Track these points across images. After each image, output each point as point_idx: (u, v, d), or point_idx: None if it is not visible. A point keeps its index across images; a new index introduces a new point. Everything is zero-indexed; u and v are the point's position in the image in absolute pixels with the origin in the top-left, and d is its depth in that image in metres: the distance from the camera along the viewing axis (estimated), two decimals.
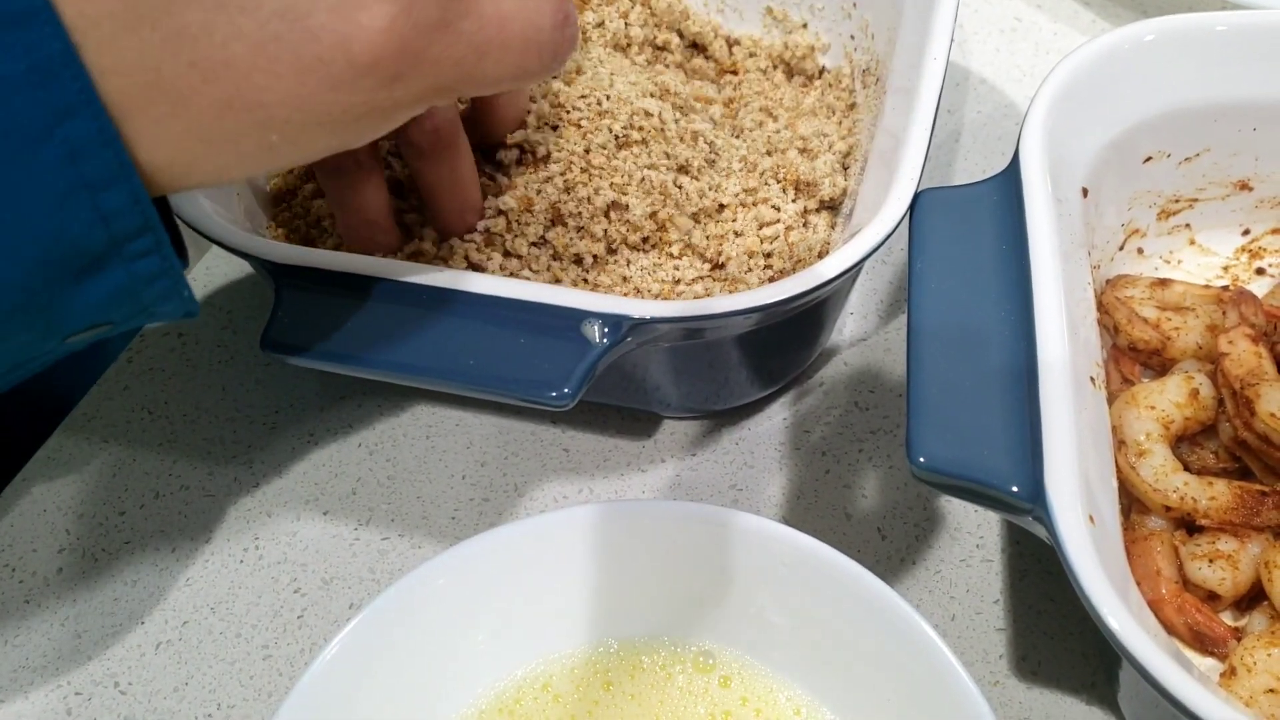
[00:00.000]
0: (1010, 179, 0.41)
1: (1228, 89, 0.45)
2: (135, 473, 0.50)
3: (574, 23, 0.30)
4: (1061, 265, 0.38)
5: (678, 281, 0.46)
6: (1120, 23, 0.63)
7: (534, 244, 0.45)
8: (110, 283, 0.28)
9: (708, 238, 0.47)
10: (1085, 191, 0.43)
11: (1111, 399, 0.42)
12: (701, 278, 0.46)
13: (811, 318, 0.47)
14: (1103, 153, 0.44)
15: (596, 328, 0.38)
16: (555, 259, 0.45)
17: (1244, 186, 0.48)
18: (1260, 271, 0.49)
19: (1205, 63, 0.44)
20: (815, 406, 0.50)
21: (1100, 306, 0.46)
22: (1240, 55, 0.44)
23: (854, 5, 0.56)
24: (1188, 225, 0.49)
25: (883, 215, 0.40)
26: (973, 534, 0.45)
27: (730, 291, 0.46)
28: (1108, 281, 0.47)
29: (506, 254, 0.45)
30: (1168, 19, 0.45)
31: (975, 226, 0.40)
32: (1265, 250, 0.49)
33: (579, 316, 0.38)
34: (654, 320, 0.39)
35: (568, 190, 0.45)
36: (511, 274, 0.44)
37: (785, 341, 0.47)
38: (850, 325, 0.52)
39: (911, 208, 0.41)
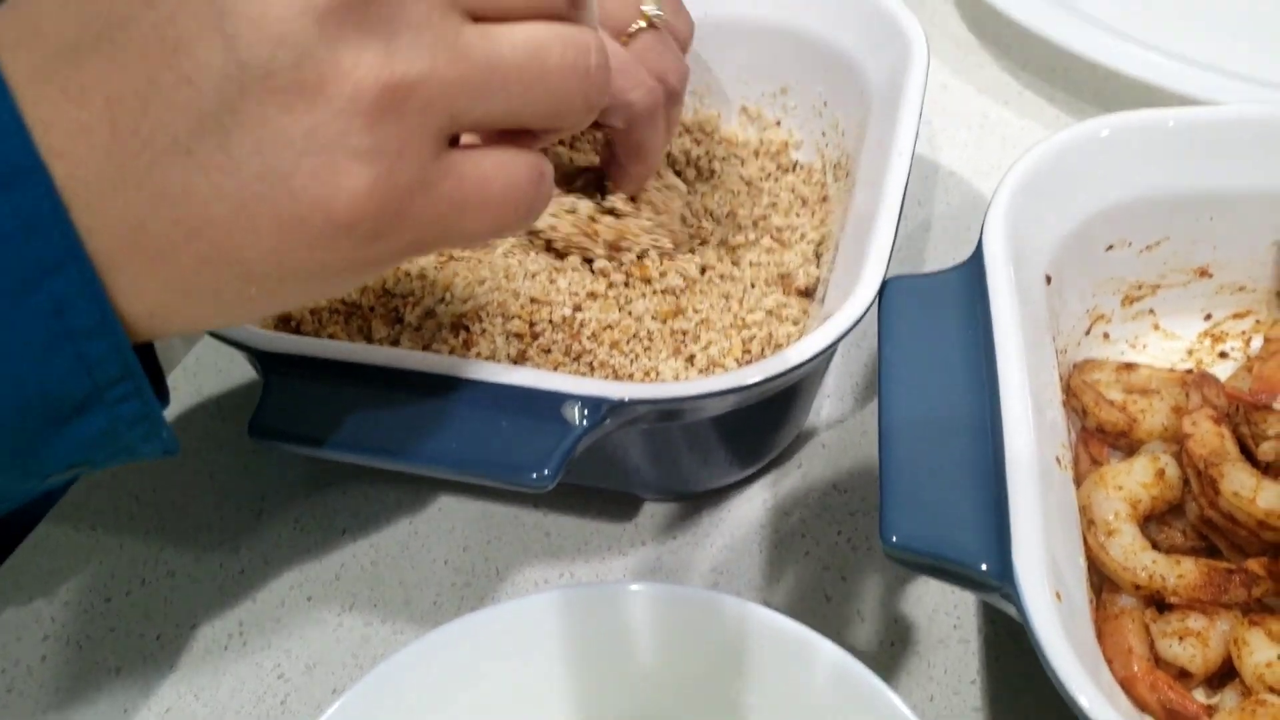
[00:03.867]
0: (975, 267, 0.42)
1: (1183, 180, 0.46)
2: (122, 560, 0.50)
3: (549, 179, 0.31)
4: (1026, 350, 0.39)
5: (655, 368, 0.47)
6: (1083, 117, 0.66)
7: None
8: (92, 427, 0.29)
9: (690, 357, 0.48)
10: (1049, 279, 0.44)
11: (1081, 479, 0.43)
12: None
13: (787, 400, 0.48)
14: (1065, 241, 0.45)
15: (576, 410, 0.39)
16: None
17: (1204, 273, 0.49)
18: (1223, 355, 0.50)
19: (1160, 156, 0.46)
20: (794, 488, 0.50)
21: (1068, 390, 0.47)
22: (1192, 148, 0.46)
23: (824, 104, 0.58)
24: (1151, 311, 0.50)
25: (852, 302, 0.41)
26: (950, 614, 0.45)
27: (707, 374, 0.47)
28: (1075, 365, 0.48)
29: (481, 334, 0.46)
30: (1122, 115, 0.46)
31: (942, 313, 0.41)
32: (1227, 334, 0.50)
33: (559, 399, 0.39)
34: (633, 402, 0.39)
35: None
36: (490, 357, 0.45)
37: (763, 423, 0.48)
38: (827, 407, 0.53)
39: (880, 295, 0.42)
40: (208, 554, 0.50)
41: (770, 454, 0.51)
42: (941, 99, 0.68)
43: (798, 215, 0.56)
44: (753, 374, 0.41)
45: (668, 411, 0.41)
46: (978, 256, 0.42)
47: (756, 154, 0.60)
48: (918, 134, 0.48)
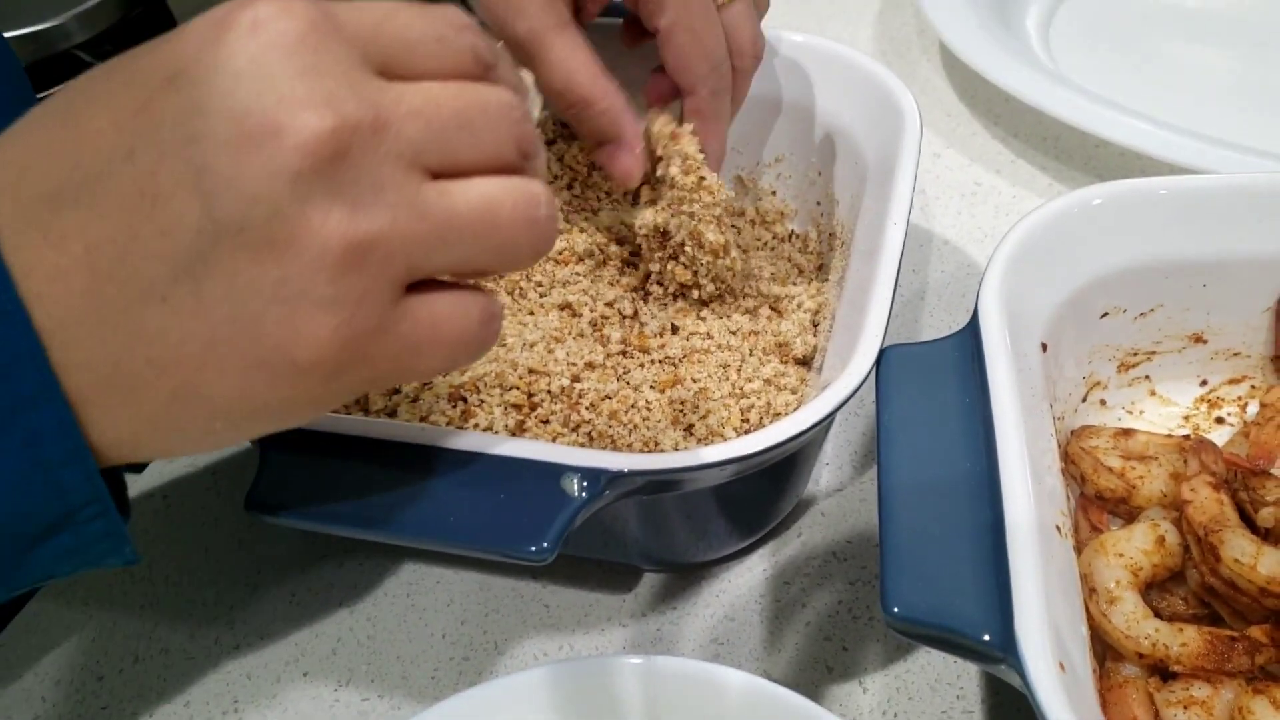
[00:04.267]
0: (971, 335, 0.42)
1: (1175, 248, 0.47)
2: (115, 637, 0.49)
3: (498, 317, 0.33)
4: (1023, 417, 0.39)
5: (654, 438, 0.47)
6: (1075, 186, 0.67)
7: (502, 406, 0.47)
8: (61, 544, 0.31)
9: (689, 427, 0.48)
10: (1044, 346, 0.44)
11: (1081, 547, 0.43)
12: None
13: (787, 469, 0.48)
14: (1060, 309, 0.46)
15: (575, 481, 0.39)
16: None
17: (1199, 339, 0.50)
18: (1220, 420, 0.50)
19: (1152, 223, 0.46)
20: (794, 558, 0.50)
21: (1066, 456, 0.47)
22: (1184, 216, 0.46)
23: (818, 174, 0.59)
24: (1147, 377, 0.50)
25: (850, 370, 0.42)
26: (953, 685, 0.45)
27: (705, 444, 0.47)
28: (1072, 432, 0.48)
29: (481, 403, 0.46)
30: (1114, 184, 0.47)
31: (939, 381, 0.41)
32: (1223, 400, 0.50)
33: (557, 471, 0.39)
34: (632, 473, 0.39)
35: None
36: (489, 428, 0.45)
37: (762, 493, 0.48)
38: (826, 475, 0.53)
39: (878, 363, 0.42)
40: (202, 629, 0.49)
41: (770, 523, 0.50)
42: (934, 168, 0.69)
43: (794, 284, 0.56)
44: (752, 443, 0.41)
45: (667, 482, 0.41)
46: (974, 324, 0.42)
47: (752, 223, 0.60)
48: (912, 204, 0.48)
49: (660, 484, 0.41)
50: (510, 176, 0.32)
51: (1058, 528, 0.39)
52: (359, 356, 0.30)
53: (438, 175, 0.30)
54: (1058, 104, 0.65)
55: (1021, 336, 0.43)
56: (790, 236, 0.60)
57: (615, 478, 0.39)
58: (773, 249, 0.59)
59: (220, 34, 0.28)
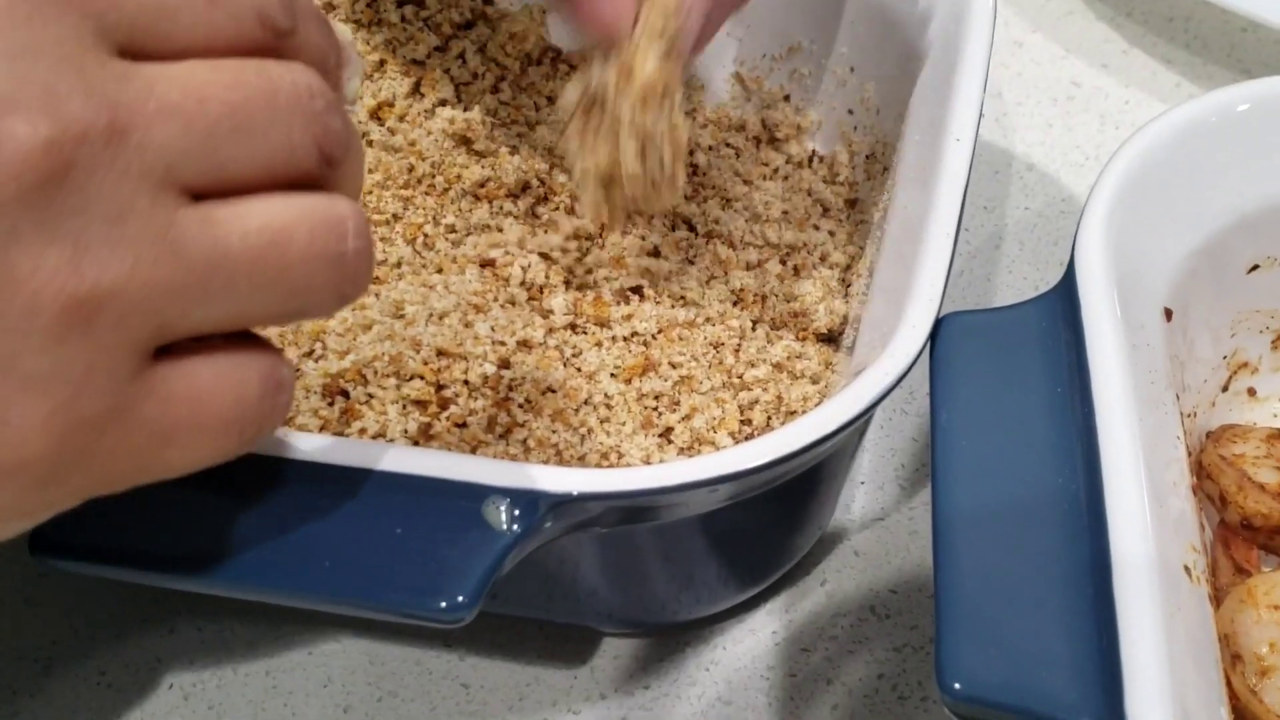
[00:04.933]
0: (1065, 298, 0.42)
1: None
2: None
3: (288, 387, 0.33)
4: (1139, 415, 0.39)
5: (617, 447, 0.47)
6: (1214, 85, 0.67)
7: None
8: None
9: (666, 431, 0.48)
10: (1169, 314, 0.45)
11: (1220, 597, 0.43)
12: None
13: (804, 490, 0.48)
14: (1190, 261, 0.46)
15: (503, 509, 0.39)
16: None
17: None
18: None
19: None
20: (816, 615, 0.50)
21: (1201, 469, 0.47)
22: None
23: (850, 71, 0.59)
24: None
25: (893, 350, 0.42)
26: None
27: (689, 454, 0.47)
28: (1208, 435, 0.49)
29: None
30: (1271, 80, 0.47)
31: (1019, 364, 0.42)
32: None
33: (478, 494, 0.39)
34: (583, 497, 0.39)
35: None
36: (380, 434, 0.45)
37: (769, 524, 0.48)
38: (861, 499, 0.53)
39: (933, 339, 0.43)
40: None
41: (783, 567, 0.51)
42: (1015, 61, 0.70)
43: (816, 228, 0.56)
44: (755, 454, 0.41)
45: (634, 509, 0.41)
46: (1069, 284, 0.42)
47: (757, 141, 0.60)
48: (982, 112, 0.48)
49: (626, 511, 0.41)
50: (307, 194, 0.32)
51: (1187, 569, 0.39)
52: (84, 452, 0.30)
53: (203, 195, 0.30)
54: None
55: (1136, 301, 0.43)
56: (811, 160, 0.60)
57: (560, 503, 0.39)
58: (786, 178, 0.59)
59: None
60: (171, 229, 0.29)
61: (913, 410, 0.56)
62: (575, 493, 0.39)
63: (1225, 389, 0.50)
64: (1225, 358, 0.50)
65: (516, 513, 0.39)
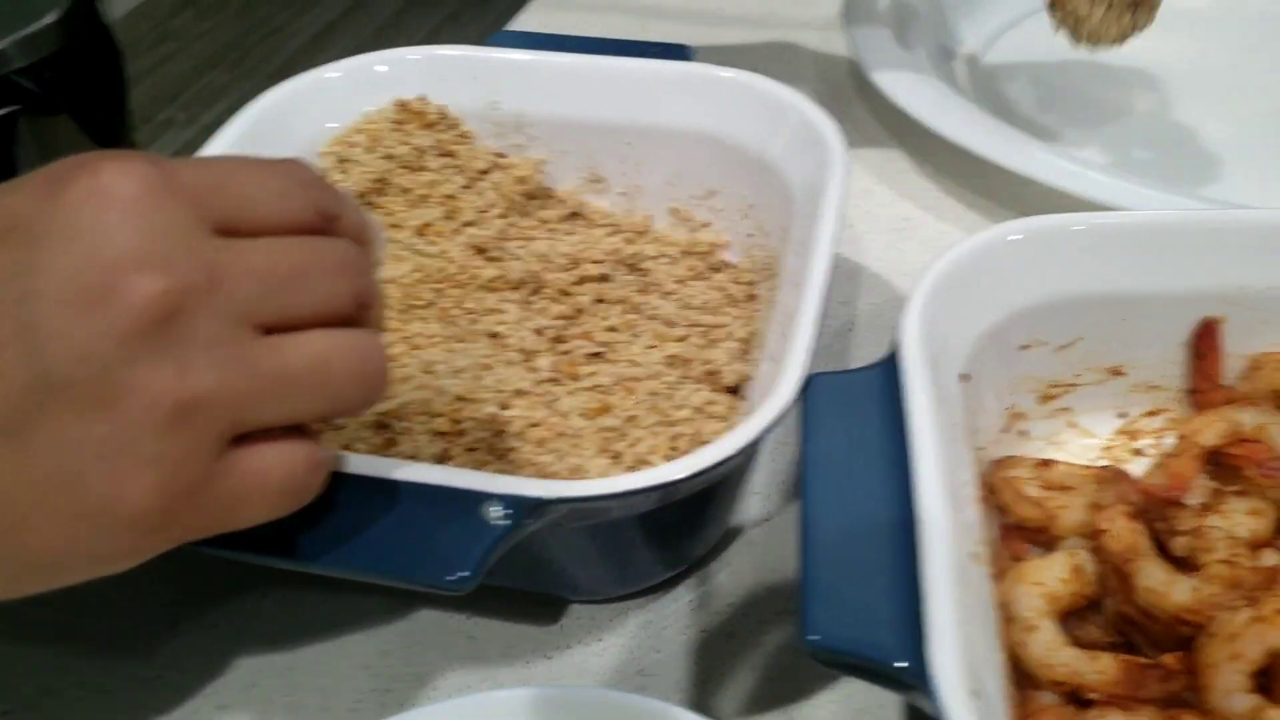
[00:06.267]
0: (893, 367, 0.42)
1: (1094, 283, 0.48)
2: (24, 668, 0.48)
3: (326, 465, 0.35)
4: (942, 448, 0.39)
5: (581, 466, 0.47)
6: (1001, 221, 0.68)
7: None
8: None
9: (616, 455, 0.48)
10: (965, 377, 0.45)
11: (1000, 577, 0.43)
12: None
13: (713, 497, 0.48)
14: (980, 341, 0.46)
15: (498, 510, 0.39)
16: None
17: (1117, 372, 0.50)
18: (1137, 453, 0.51)
19: (1069, 259, 0.47)
20: (721, 588, 0.50)
21: (988, 486, 0.47)
22: (1101, 252, 0.47)
23: (750, 207, 0.59)
24: (1068, 409, 0.51)
25: (775, 397, 0.42)
26: (874, 715, 0.45)
27: (633, 471, 0.47)
28: (994, 463, 0.48)
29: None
30: (1032, 219, 0.48)
31: (863, 410, 0.42)
32: (1141, 432, 0.51)
33: (478, 498, 0.38)
34: (556, 500, 0.39)
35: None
36: (413, 456, 0.45)
37: (688, 521, 0.48)
38: (755, 505, 0.53)
39: (804, 391, 0.43)
40: (118, 663, 0.48)
41: (698, 552, 0.50)
42: (865, 203, 0.70)
43: (726, 312, 0.56)
44: (678, 469, 0.41)
45: (592, 510, 0.41)
46: (895, 356, 0.42)
47: (687, 254, 0.61)
48: (839, 236, 0.49)
49: (586, 511, 0.41)
50: (346, 330, 0.33)
51: (974, 556, 0.39)
52: (182, 510, 0.30)
53: (272, 329, 0.31)
54: (981, 143, 0.66)
55: (942, 367, 0.43)
56: (724, 266, 0.60)
57: (538, 505, 0.39)
58: (707, 279, 0.59)
59: (58, 192, 0.29)
60: (249, 353, 0.30)
61: (792, 442, 0.56)
62: (550, 498, 0.39)
63: (1005, 431, 0.50)
64: (1006, 409, 0.50)
65: (508, 512, 0.38)
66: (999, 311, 0.47)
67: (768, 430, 0.41)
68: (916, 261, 0.65)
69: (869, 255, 0.67)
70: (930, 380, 0.41)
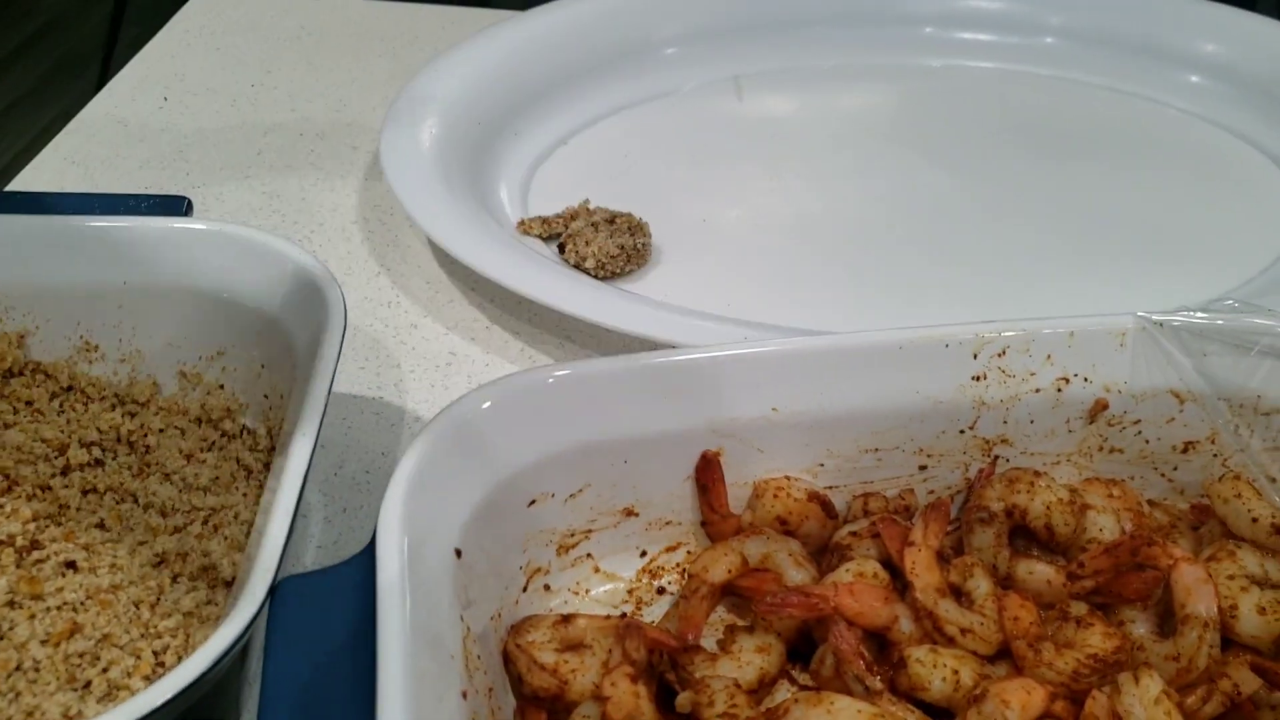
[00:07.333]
0: (370, 558, 0.40)
1: (586, 431, 0.48)
2: None
3: None
4: (413, 641, 0.37)
5: (39, 707, 0.41)
6: (548, 350, 0.67)
7: None
8: None
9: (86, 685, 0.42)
10: (459, 552, 0.43)
11: None
12: None
13: (213, 697, 0.43)
14: (477, 510, 0.45)
15: None
16: None
17: (631, 513, 0.51)
18: (661, 591, 0.51)
19: (556, 412, 0.47)
20: None
21: (504, 657, 0.46)
22: (584, 401, 0.47)
23: (262, 368, 0.55)
24: (589, 555, 0.51)
25: (234, 618, 0.38)
26: None
27: (107, 701, 0.42)
28: (511, 628, 0.47)
29: None
30: (502, 382, 0.47)
31: (334, 616, 0.39)
32: (663, 569, 0.51)
33: None
34: None
35: None
36: None
37: None
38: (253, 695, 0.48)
39: (272, 596, 0.39)
40: None
41: None
42: (411, 339, 0.68)
43: (235, 491, 0.52)
44: (138, 707, 0.36)
45: None
46: (372, 549, 0.40)
47: (199, 422, 0.56)
48: (326, 408, 0.46)
49: None
50: None
51: None
52: None
53: None
54: (514, 278, 0.65)
55: (431, 548, 0.41)
56: (242, 432, 0.56)
57: None
58: (221, 449, 0.55)
59: None
60: None
61: None
62: None
63: (525, 589, 0.49)
64: (522, 567, 0.48)
65: None
66: (495, 476, 0.46)
67: (226, 655, 0.37)
68: None
69: (414, 397, 0.64)
70: (408, 570, 0.39)
